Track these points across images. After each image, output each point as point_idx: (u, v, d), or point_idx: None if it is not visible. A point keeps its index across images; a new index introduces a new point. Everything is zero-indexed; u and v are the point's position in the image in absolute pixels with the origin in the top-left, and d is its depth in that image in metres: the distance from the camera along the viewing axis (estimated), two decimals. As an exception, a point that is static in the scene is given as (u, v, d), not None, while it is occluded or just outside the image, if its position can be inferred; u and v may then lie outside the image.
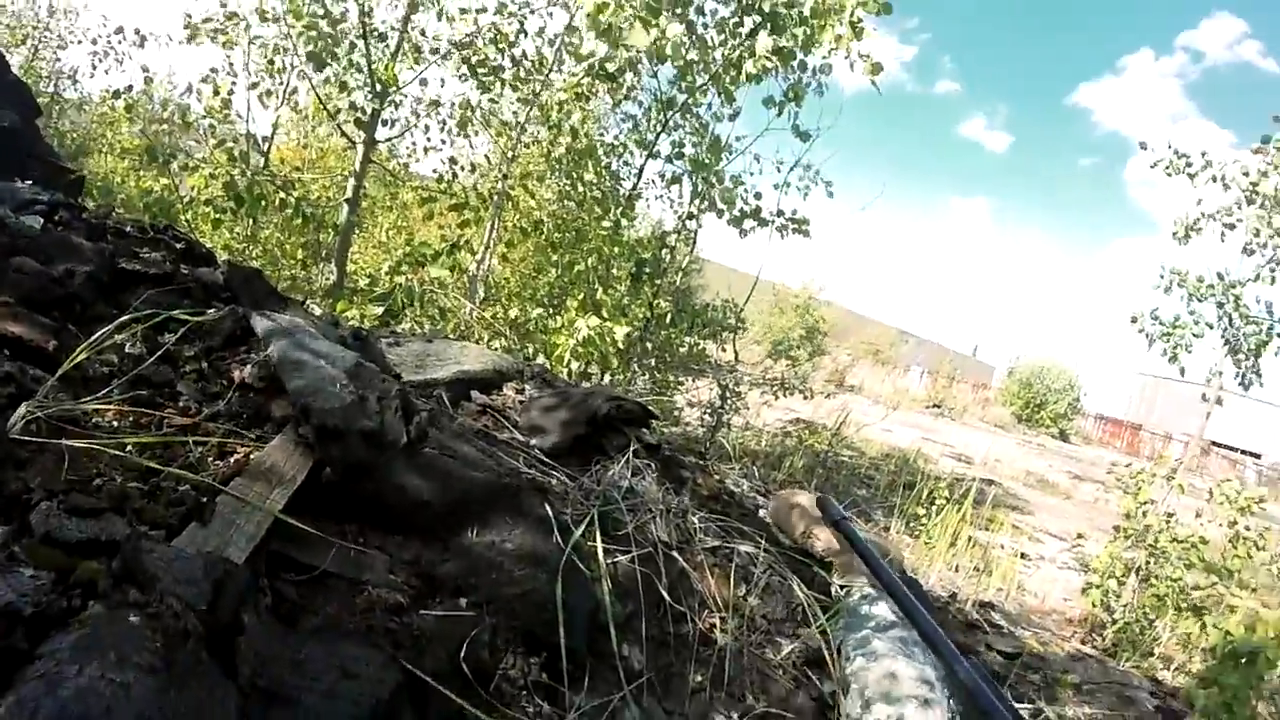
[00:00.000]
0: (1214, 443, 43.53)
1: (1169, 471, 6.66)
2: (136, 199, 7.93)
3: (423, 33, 7.75)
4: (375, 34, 7.35)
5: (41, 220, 2.79)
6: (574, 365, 5.78)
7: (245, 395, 2.24)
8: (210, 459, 2.01)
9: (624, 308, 6.60)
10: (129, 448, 1.91)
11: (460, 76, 7.56)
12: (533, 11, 7.71)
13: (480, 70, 7.41)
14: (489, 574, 2.03)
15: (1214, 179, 7.11)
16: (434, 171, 8.77)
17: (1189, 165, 7.18)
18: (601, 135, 8.66)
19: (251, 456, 2.01)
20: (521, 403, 2.99)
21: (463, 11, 7.53)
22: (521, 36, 7.65)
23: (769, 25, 6.28)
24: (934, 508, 7.03)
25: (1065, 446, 33.42)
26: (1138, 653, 5.67)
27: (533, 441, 2.73)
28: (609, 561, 2.30)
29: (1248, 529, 6.39)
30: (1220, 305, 7.05)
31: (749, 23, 6.49)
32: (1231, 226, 7.11)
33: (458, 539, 2.07)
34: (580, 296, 6.35)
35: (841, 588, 2.86)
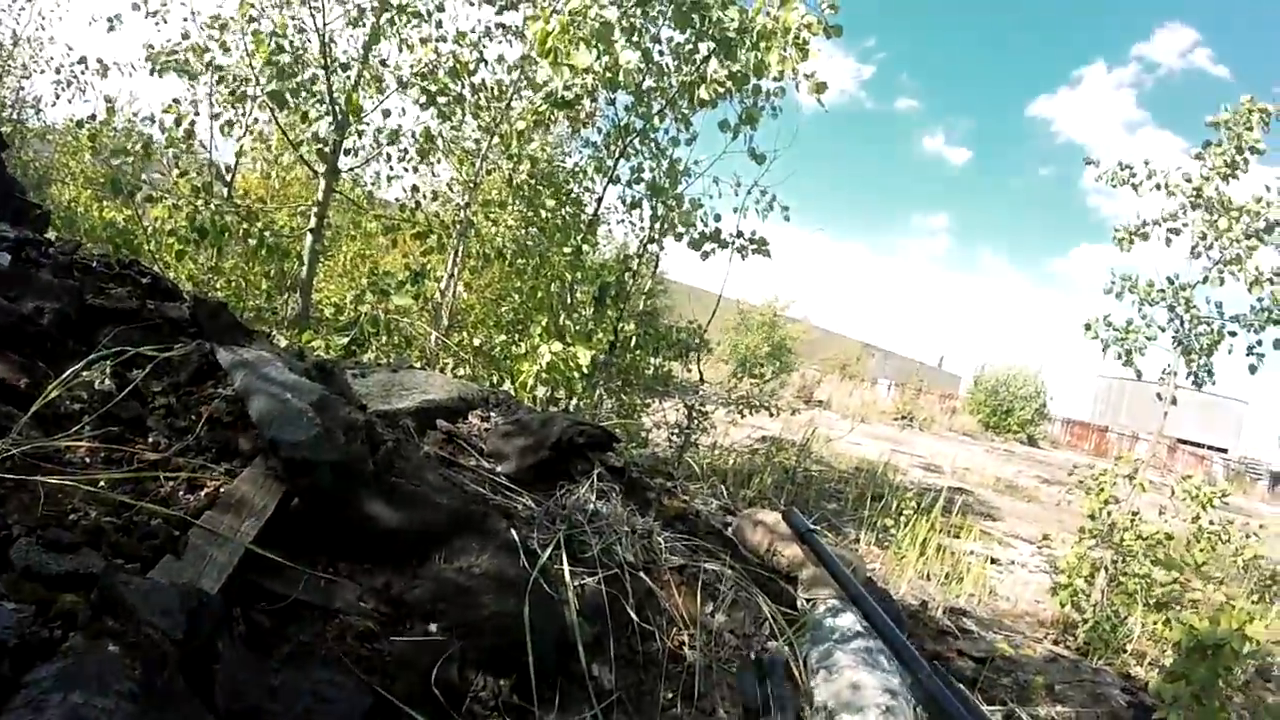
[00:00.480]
0: (1180, 440, 44.80)
1: (1130, 471, 6.80)
2: (100, 229, 7.92)
3: (383, 63, 7.79)
4: (336, 64, 7.38)
5: (9, 257, 2.82)
6: (539, 391, 5.82)
7: (214, 429, 2.28)
8: (181, 492, 2.06)
9: (589, 332, 6.67)
10: (101, 483, 1.95)
11: (421, 105, 7.61)
12: (491, 39, 7.81)
13: (441, 99, 7.48)
14: (458, 599, 2.08)
15: (1158, 187, 7.34)
16: (395, 200, 8.82)
17: (1133, 176, 7.43)
18: (563, 161, 8.76)
19: (222, 489, 2.06)
20: (486, 430, 3.05)
21: (423, 41, 7.60)
22: (481, 65, 7.74)
23: (722, 51, 6.39)
24: (902, 518, 7.13)
25: (1034, 451, 33.91)
26: (1110, 650, 5.78)
27: (498, 468, 2.78)
28: (576, 583, 2.35)
29: (1211, 523, 6.53)
30: (1171, 308, 7.22)
31: (704, 49, 6.61)
32: (1177, 231, 7.33)
33: (426, 565, 2.12)
34: (544, 322, 6.41)
35: (807, 601, 2.93)
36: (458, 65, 7.51)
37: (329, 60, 7.22)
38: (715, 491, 5.21)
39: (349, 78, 7.51)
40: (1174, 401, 7.28)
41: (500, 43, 7.95)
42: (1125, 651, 5.83)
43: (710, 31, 6.45)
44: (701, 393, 8.30)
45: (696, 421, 7.76)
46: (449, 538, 2.21)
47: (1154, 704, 3.76)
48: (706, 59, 6.55)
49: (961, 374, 49.98)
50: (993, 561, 8.30)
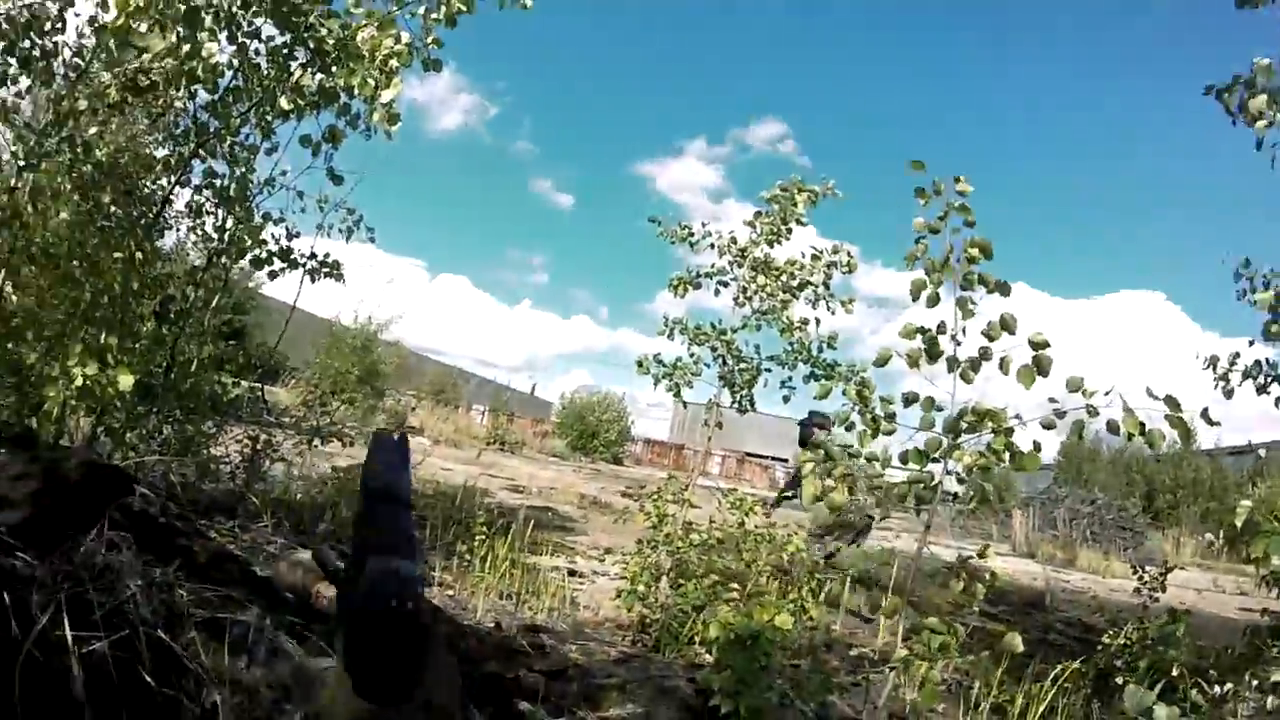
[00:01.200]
0: (748, 453, 54.85)
1: (680, 488, 7.52)
2: None
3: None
4: None
5: None
6: (75, 421, 5.14)
7: None
8: None
9: (143, 350, 5.99)
10: None
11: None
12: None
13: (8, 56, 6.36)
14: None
15: (711, 246, 8.43)
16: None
17: (691, 235, 8.49)
18: (138, 153, 7.76)
19: None
20: (-14, 472, 2.63)
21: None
22: (56, 26, 6.65)
23: (316, 63, 6.09)
24: (476, 541, 7.16)
25: (619, 469, 36.44)
26: (679, 644, 6.18)
27: (-2, 517, 2.40)
28: (82, 650, 2.07)
29: (756, 527, 7.38)
30: (714, 349, 8.18)
31: (301, 55, 6.24)
32: (725, 284, 8.43)
33: None
34: (85, 339, 5.60)
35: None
36: (33, 19, 6.44)
37: None
38: (280, 528, 4.92)
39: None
40: (719, 425, 8.31)
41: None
42: (694, 644, 6.23)
43: (307, 39, 6.12)
44: (278, 419, 7.87)
45: (262, 454, 7.31)
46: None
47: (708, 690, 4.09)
48: (305, 66, 6.20)
49: (553, 400, 53.23)
50: (575, 574, 8.59)
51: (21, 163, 6.89)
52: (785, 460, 49.77)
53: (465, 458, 21.86)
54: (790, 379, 8.31)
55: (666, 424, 60.36)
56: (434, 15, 6.21)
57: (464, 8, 6.24)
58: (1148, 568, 8.99)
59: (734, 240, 8.36)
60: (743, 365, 8.23)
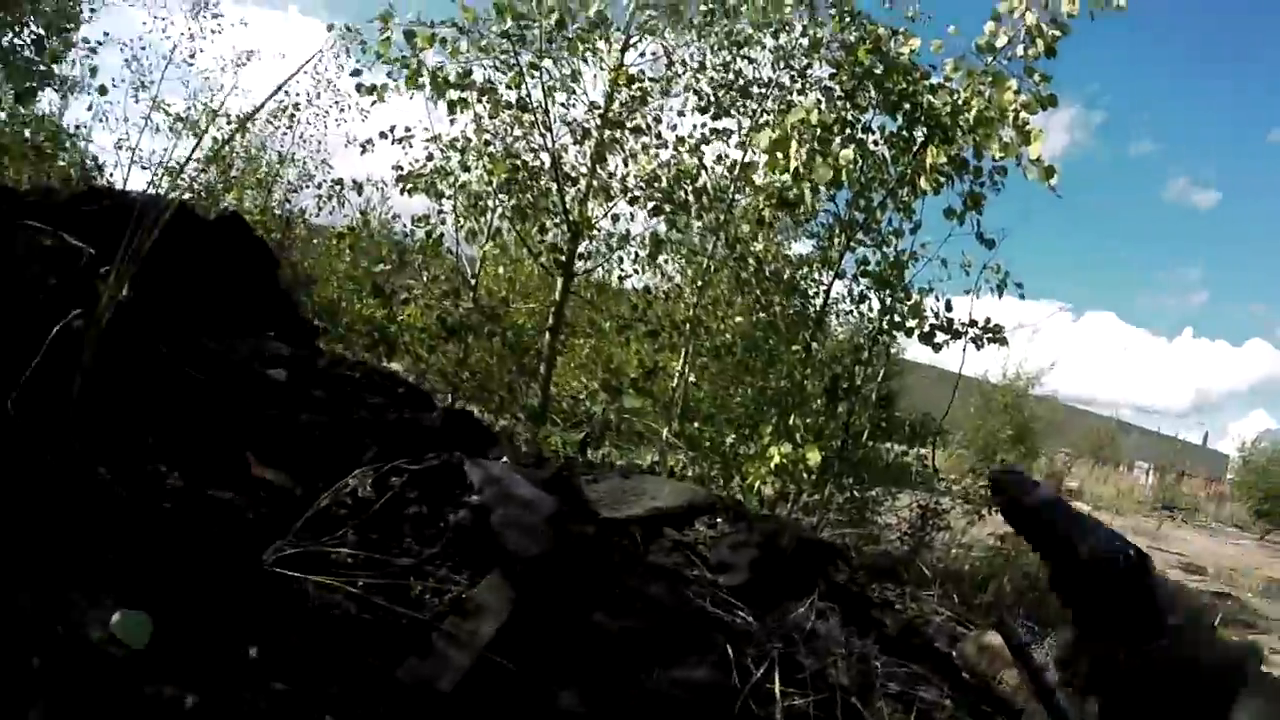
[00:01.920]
0: None
1: None
2: (359, 324, 8.80)
3: (610, 175, 8.30)
4: (567, 179, 8.05)
5: (285, 373, 3.18)
6: (767, 488, 5.85)
7: (459, 538, 2.47)
8: (428, 596, 2.24)
9: (819, 428, 6.61)
10: (360, 585, 2.16)
11: (650, 213, 8.06)
12: (709, 143, 8.17)
13: (666, 206, 7.88)
14: (669, 710, 2.14)
15: None
16: (633, 288, 9.31)
17: None
18: (787, 255, 8.89)
19: (463, 596, 2.23)
20: (712, 538, 3.12)
21: (644, 148, 8.06)
22: (701, 171, 8.07)
23: (937, 136, 6.30)
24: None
25: (1318, 547, 29.85)
26: None
27: (720, 579, 2.83)
28: (786, 704, 2.35)
29: None
30: None
31: (918, 135, 6.54)
32: None
33: (642, 676, 2.20)
34: (773, 422, 6.41)
35: (1028, 739, 2.77)
36: (680, 171, 7.89)
37: (559, 174, 7.79)
38: (947, 599, 4.97)
39: (579, 190, 8.06)
40: None
41: (716, 143, 8.33)
42: None
43: (920, 117, 6.40)
44: (938, 487, 8.04)
45: (930, 521, 7.50)
46: (667, 648, 2.28)
47: None
48: (923, 145, 6.48)
49: (1230, 452, 44.06)
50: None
51: (699, 283, 8.34)
52: None
53: (1130, 526, 20.13)
54: None
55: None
56: (1032, 51, 6.07)
57: (1059, 33, 6.00)
58: None
59: None
60: None
